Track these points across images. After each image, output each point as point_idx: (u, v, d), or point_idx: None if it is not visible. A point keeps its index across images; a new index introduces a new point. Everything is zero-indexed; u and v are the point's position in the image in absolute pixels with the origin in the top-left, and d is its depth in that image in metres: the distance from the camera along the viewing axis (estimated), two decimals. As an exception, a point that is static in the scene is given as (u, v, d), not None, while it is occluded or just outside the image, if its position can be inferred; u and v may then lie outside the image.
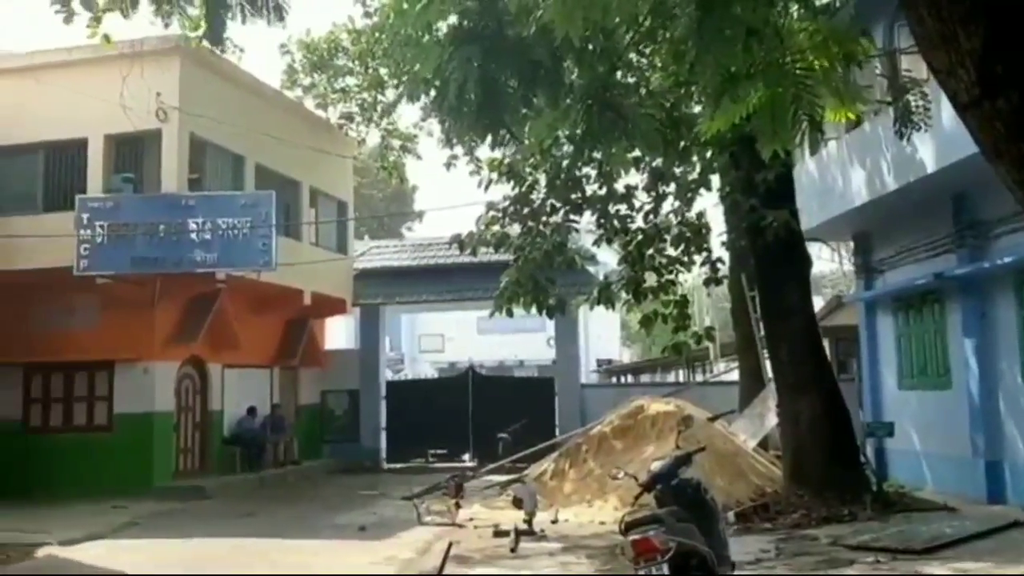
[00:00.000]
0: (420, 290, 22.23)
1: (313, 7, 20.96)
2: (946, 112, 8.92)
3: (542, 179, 12.74)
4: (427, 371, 33.15)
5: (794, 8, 7.13)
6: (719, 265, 13.13)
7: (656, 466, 6.39)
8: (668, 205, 12.82)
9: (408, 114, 75.49)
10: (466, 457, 20.91)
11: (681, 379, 27.00)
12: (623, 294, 12.63)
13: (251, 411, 18.70)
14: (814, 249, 15.25)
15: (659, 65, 10.55)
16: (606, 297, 12.52)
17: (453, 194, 65.48)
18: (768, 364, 13.39)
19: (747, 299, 15.17)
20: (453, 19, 7.87)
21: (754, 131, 5.44)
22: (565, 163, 11.91)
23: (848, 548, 8.97)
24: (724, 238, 13.68)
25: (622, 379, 34.51)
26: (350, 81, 20.86)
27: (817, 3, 7.52)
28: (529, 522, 10.93)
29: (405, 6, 8.25)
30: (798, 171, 13.53)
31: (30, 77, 15.82)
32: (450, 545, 9.64)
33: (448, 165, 13.42)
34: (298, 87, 21.18)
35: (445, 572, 8.69)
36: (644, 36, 7.95)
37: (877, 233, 14.95)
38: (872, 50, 7.58)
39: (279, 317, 19.79)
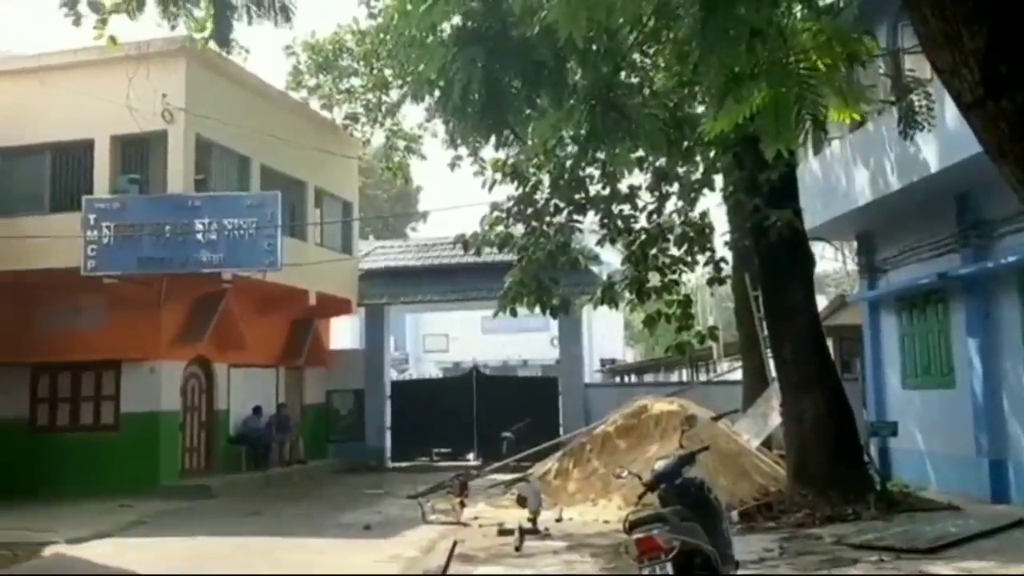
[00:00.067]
0: (424, 290, 22.24)
1: (318, 9, 21.00)
2: (950, 112, 8.96)
3: (546, 179, 12.75)
4: (431, 371, 33.24)
5: (798, 8, 7.15)
6: (722, 265, 13.16)
7: (660, 465, 6.39)
8: (672, 205, 12.87)
9: (412, 115, 75.86)
10: (470, 456, 20.94)
11: (685, 379, 26.97)
12: (627, 294, 12.61)
13: (257, 410, 18.74)
14: (818, 248, 15.20)
15: (663, 65, 10.55)
16: (609, 297, 12.54)
17: (457, 194, 65.69)
18: (772, 363, 13.37)
19: (750, 299, 15.14)
20: (457, 20, 7.88)
21: (758, 131, 5.44)
22: (569, 163, 11.94)
23: (852, 547, 8.96)
24: (727, 238, 13.67)
25: (626, 379, 34.49)
26: (355, 82, 20.87)
27: (821, 3, 7.54)
28: (533, 521, 10.93)
29: (409, 7, 8.29)
30: (802, 171, 13.52)
31: (37, 78, 15.88)
32: (454, 544, 9.67)
33: (452, 165, 13.49)
34: (303, 88, 21.20)
35: (450, 571, 8.71)
36: (648, 36, 7.95)
37: (881, 233, 14.94)
38: (876, 50, 7.60)
39: (284, 317, 19.84)
